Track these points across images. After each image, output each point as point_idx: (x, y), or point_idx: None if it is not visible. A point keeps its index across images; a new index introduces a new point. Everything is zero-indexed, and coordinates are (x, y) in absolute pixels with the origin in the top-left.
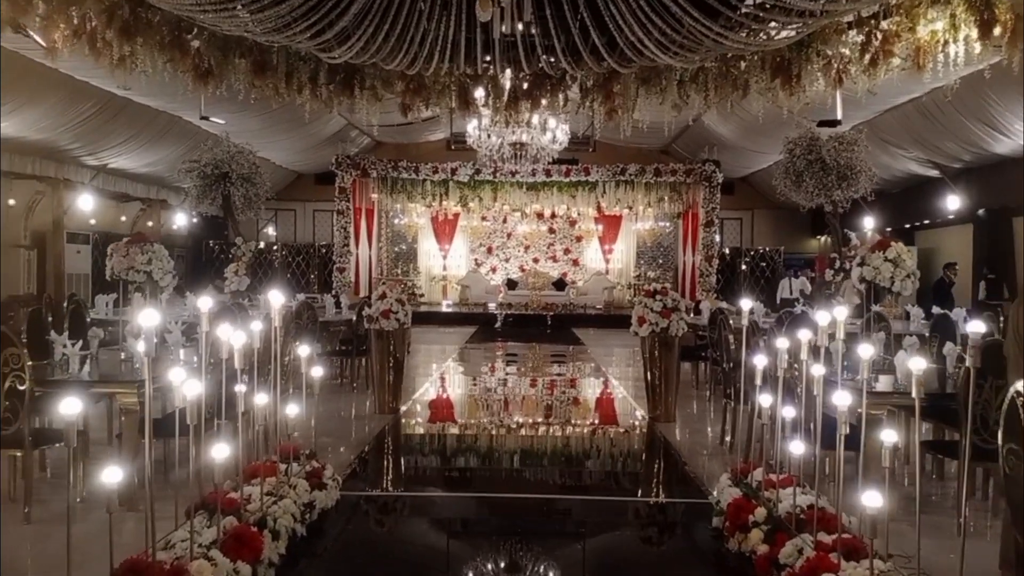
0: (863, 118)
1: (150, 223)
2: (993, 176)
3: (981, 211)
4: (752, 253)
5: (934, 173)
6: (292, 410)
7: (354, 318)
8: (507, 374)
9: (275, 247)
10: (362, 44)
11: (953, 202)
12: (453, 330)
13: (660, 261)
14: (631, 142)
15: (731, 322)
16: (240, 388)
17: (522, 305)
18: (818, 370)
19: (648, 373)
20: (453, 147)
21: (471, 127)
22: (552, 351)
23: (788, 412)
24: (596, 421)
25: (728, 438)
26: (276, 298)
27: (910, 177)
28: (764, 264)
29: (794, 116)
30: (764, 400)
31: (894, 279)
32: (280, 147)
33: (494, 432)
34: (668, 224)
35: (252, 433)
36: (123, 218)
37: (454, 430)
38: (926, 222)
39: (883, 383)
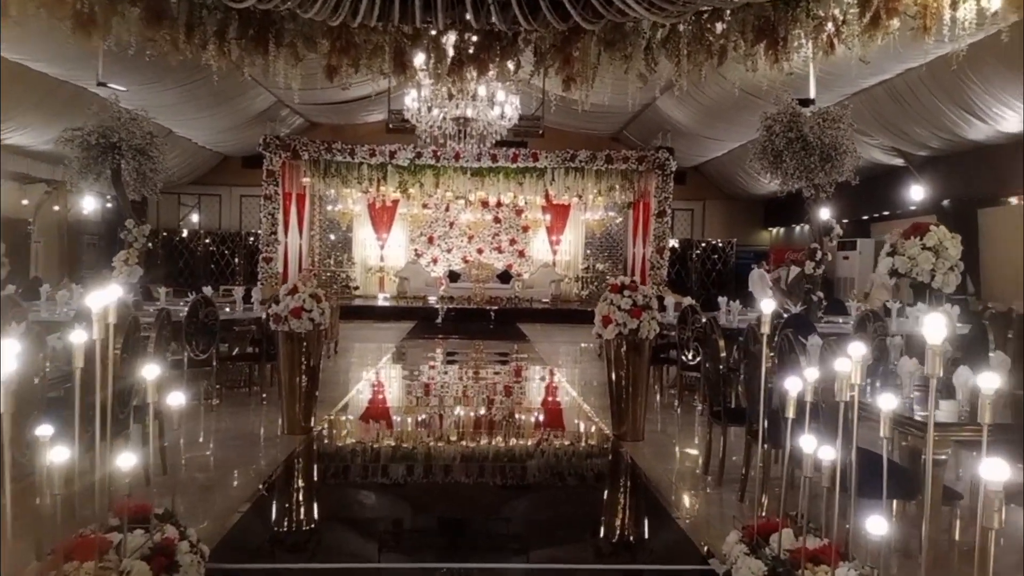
0: (829, 101)
1: (56, 207)
2: (960, 165)
3: (945, 202)
4: (703, 245)
5: (898, 162)
6: (126, 459)
7: (263, 315)
8: (447, 382)
9: (199, 234)
10: None
11: (917, 192)
12: (389, 326)
13: (609, 253)
14: (581, 127)
15: (720, 323)
16: (43, 432)
17: (465, 299)
18: (887, 402)
19: (613, 382)
20: (391, 126)
21: (409, 99)
22: (497, 349)
23: (826, 453)
24: (552, 444)
25: (711, 464)
26: (97, 300)
27: (872, 166)
28: (716, 256)
29: (751, 96)
30: (806, 444)
31: (935, 272)
32: (202, 125)
33: (427, 464)
34: (618, 214)
35: (53, 497)
36: (25, 202)
37: (378, 459)
38: (885, 213)
39: (946, 411)
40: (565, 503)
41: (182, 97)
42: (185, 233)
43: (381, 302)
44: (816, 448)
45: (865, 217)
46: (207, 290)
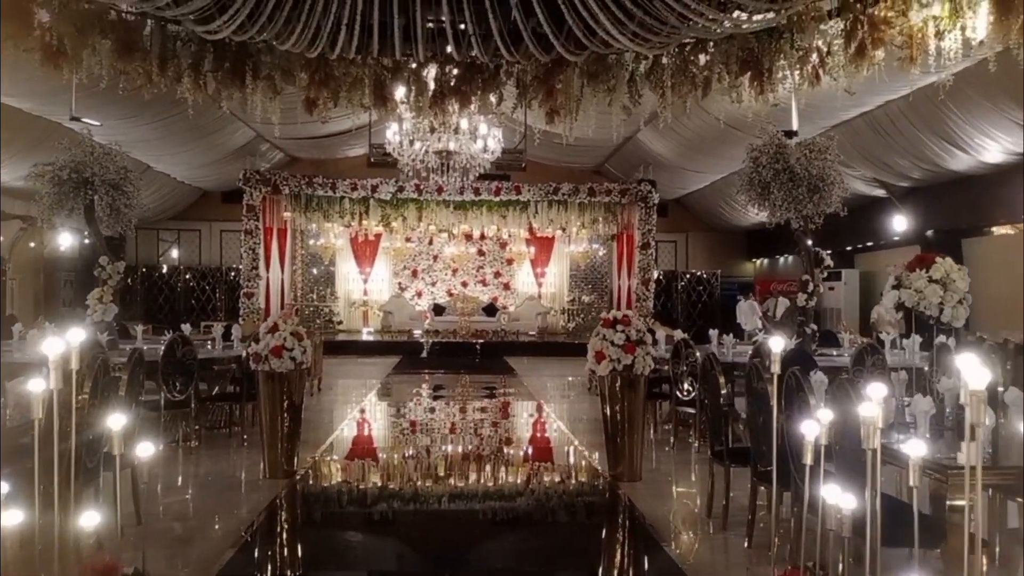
0: (811, 133)
1: (32, 244)
2: (943, 196)
3: (929, 232)
4: (688, 276)
5: (880, 193)
6: (90, 517)
7: (244, 354)
8: (434, 419)
9: (178, 270)
10: (247, 12)
11: (900, 223)
12: (374, 361)
13: (594, 285)
14: (564, 161)
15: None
16: None
17: (450, 332)
18: (916, 449)
19: (608, 420)
20: (373, 160)
21: (390, 132)
22: (485, 384)
23: (846, 501)
24: (545, 485)
25: (713, 506)
26: (53, 346)
27: (854, 198)
28: (701, 288)
29: (732, 129)
30: (828, 492)
31: (943, 305)
32: (180, 160)
33: (415, 507)
34: (601, 247)
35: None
36: None
37: (365, 502)
38: (869, 244)
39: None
40: (561, 548)
41: (159, 132)
42: (165, 269)
43: (365, 336)
44: (838, 497)
45: (849, 248)
46: (186, 327)
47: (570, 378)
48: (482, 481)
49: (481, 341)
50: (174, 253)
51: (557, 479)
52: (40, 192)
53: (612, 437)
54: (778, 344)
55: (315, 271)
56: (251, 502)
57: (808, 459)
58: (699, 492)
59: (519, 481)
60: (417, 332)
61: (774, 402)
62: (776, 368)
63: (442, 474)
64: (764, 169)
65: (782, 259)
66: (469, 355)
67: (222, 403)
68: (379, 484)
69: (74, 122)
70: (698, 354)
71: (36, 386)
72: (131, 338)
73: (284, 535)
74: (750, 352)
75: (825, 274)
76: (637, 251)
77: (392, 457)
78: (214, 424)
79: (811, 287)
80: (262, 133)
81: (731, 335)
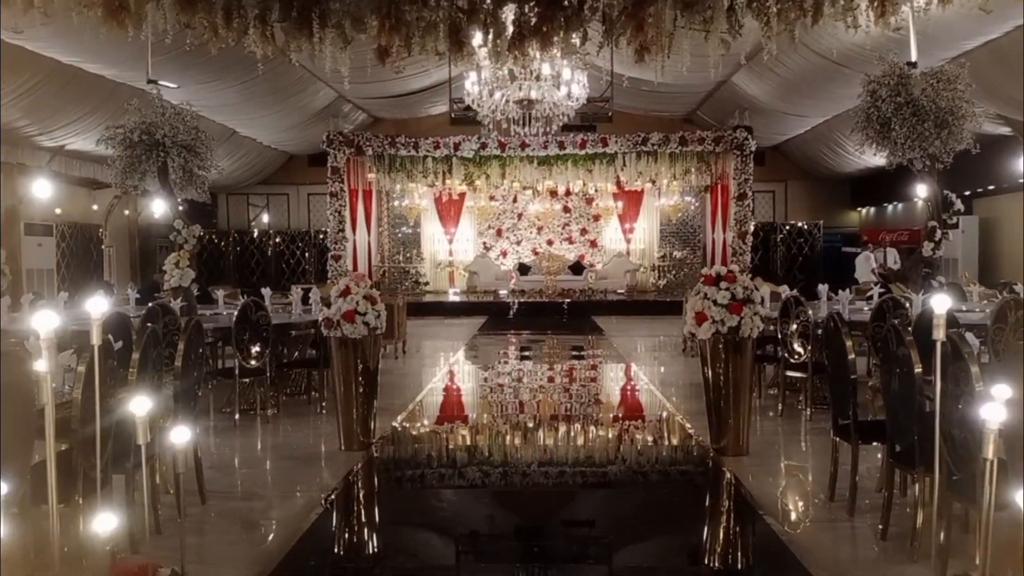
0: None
1: (126, 211)
2: None
3: None
4: (787, 228)
5: (1004, 131)
6: (105, 521)
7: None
8: (520, 385)
9: (268, 234)
10: None
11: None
12: (460, 322)
13: (686, 240)
14: (652, 109)
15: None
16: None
17: (536, 291)
18: None
19: (710, 387)
20: (454, 116)
21: (469, 83)
22: (572, 346)
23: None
24: (643, 459)
25: (836, 488)
26: (45, 321)
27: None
28: (801, 240)
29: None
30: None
31: None
32: (264, 124)
33: (500, 481)
34: (693, 199)
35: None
36: (95, 207)
37: (443, 478)
38: (990, 188)
39: None
40: (659, 531)
41: (241, 96)
42: (256, 233)
43: (451, 297)
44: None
45: (968, 192)
46: (266, 291)
47: (661, 338)
48: (571, 454)
49: (568, 300)
50: (264, 218)
51: (654, 452)
52: (111, 157)
53: (715, 406)
54: (942, 303)
55: (401, 232)
56: (322, 479)
57: (990, 452)
58: (815, 470)
59: (610, 453)
60: (503, 292)
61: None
62: (940, 333)
63: (528, 447)
64: (884, 103)
65: (890, 207)
66: (556, 315)
67: (300, 369)
68: (460, 457)
69: (151, 85)
70: (810, 312)
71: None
72: (214, 303)
73: (356, 518)
74: (871, 310)
75: (955, 220)
76: (732, 202)
77: (476, 427)
78: (294, 391)
79: (938, 235)
80: (344, 94)
81: (847, 290)
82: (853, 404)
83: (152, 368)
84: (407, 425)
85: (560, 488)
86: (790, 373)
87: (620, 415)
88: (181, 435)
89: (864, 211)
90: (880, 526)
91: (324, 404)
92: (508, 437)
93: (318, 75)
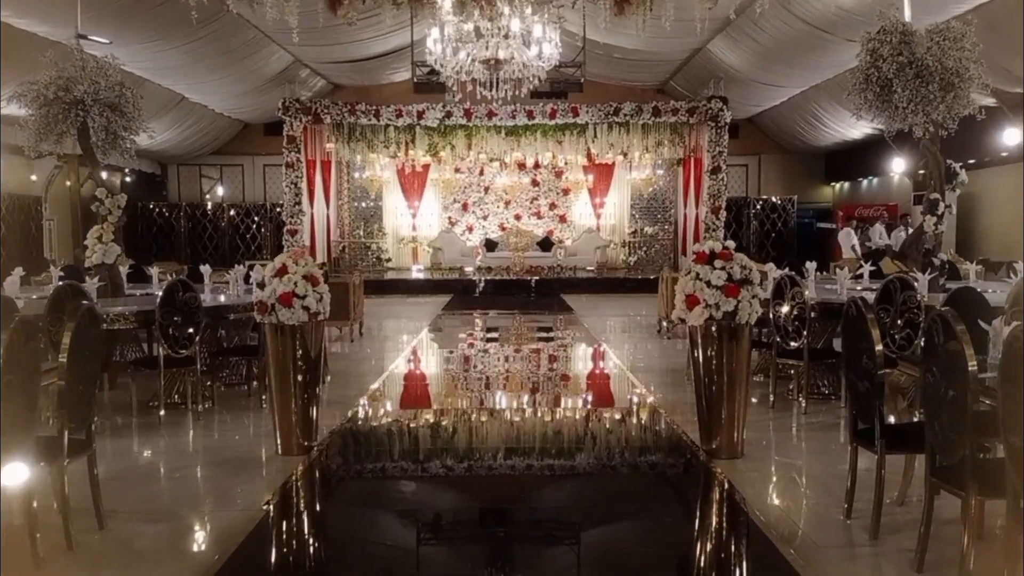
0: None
1: (68, 182)
2: None
3: None
4: (760, 203)
5: (989, 101)
6: None
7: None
8: (486, 372)
9: (222, 207)
10: None
11: (1012, 136)
12: (423, 300)
13: (658, 215)
14: (624, 79)
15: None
16: None
17: (503, 268)
18: None
19: (703, 381)
20: (416, 80)
21: (431, 40)
22: (540, 324)
23: None
24: (623, 466)
25: (854, 502)
26: None
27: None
28: (775, 216)
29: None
30: None
31: None
32: (214, 89)
33: (462, 488)
34: (666, 173)
35: None
36: (33, 177)
37: (396, 491)
38: (971, 161)
39: None
40: (648, 557)
41: (189, 57)
42: (209, 206)
43: (415, 274)
44: None
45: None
46: (206, 268)
47: (635, 317)
48: (543, 460)
49: (536, 278)
50: (219, 191)
51: (636, 455)
52: (23, 117)
53: (706, 402)
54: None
55: (362, 206)
56: (251, 493)
57: None
58: (822, 476)
59: (587, 459)
60: (468, 269)
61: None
62: (1002, 328)
63: (495, 453)
64: (885, 63)
65: (865, 182)
66: (523, 293)
67: (238, 358)
68: (420, 463)
69: (81, 41)
70: (806, 293)
71: None
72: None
73: (289, 544)
74: (877, 291)
75: (957, 192)
76: (706, 176)
77: (436, 427)
78: (233, 381)
79: (941, 208)
80: (300, 57)
81: (846, 269)
82: (879, 407)
83: (23, 370)
84: (359, 421)
85: (532, 503)
86: (782, 360)
87: (595, 411)
88: (14, 474)
89: (838, 186)
90: (914, 553)
91: (264, 397)
92: (471, 438)
93: (271, 36)
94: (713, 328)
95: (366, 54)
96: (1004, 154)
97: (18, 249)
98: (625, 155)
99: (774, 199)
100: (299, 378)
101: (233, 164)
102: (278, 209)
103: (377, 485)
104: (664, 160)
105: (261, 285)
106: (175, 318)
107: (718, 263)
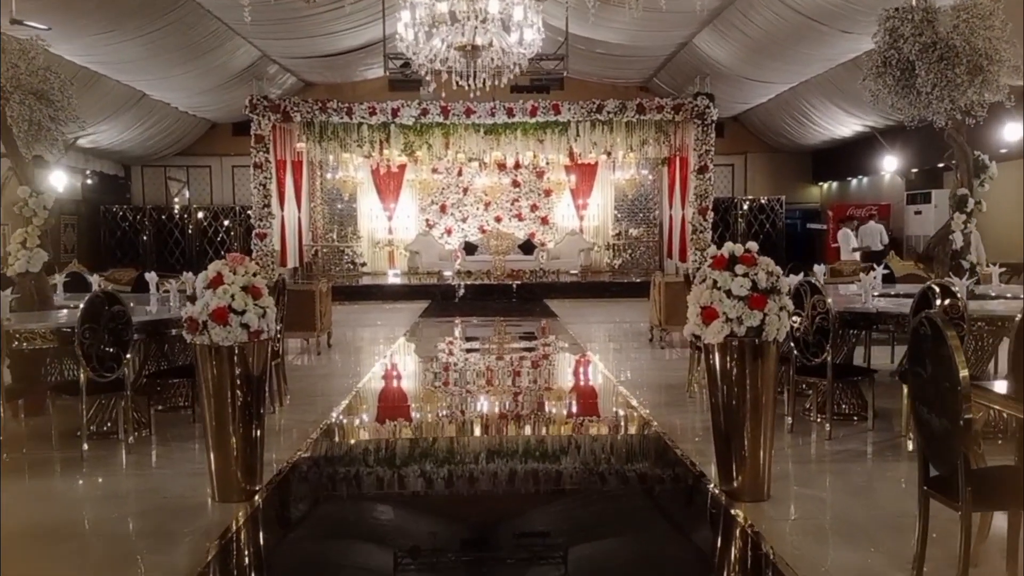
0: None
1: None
2: None
3: None
4: (748, 204)
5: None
6: None
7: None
8: (467, 388)
9: (189, 210)
10: None
11: (1013, 132)
12: (399, 307)
13: (643, 216)
14: (607, 76)
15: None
16: None
17: (483, 273)
18: None
19: (720, 409)
20: (389, 73)
21: (401, 25)
22: (522, 332)
23: None
24: (626, 507)
25: (925, 563)
26: None
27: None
28: (763, 216)
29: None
30: None
31: None
32: (177, 86)
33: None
34: (650, 173)
35: None
36: None
37: (356, 547)
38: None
39: None
40: None
41: (147, 51)
42: (176, 209)
43: (391, 279)
44: None
45: (941, 165)
46: (150, 276)
47: (625, 324)
48: (528, 505)
49: (518, 282)
50: (187, 193)
51: (641, 499)
52: None
53: (725, 433)
54: None
55: (335, 209)
56: (176, 556)
57: None
58: (867, 523)
59: (583, 505)
60: (447, 273)
61: None
62: None
63: (474, 498)
64: (906, 43)
65: (854, 181)
66: (505, 297)
67: (177, 380)
68: (390, 509)
69: (16, 27)
70: (830, 301)
71: None
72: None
73: None
74: (913, 300)
75: (986, 187)
76: (692, 176)
77: (404, 461)
78: (174, 404)
79: (971, 205)
80: (267, 52)
81: (875, 273)
82: (964, 451)
83: None
84: (314, 454)
85: (522, 546)
86: (802, 377)
87: (589, 442)
88: None
89: (826, 185)
90: None
91: None
92: (444, 479)
93: (235, 28)
94: (734, 346)
95: (337, 48)
96: (1003, 151)
97: None
98: (609, 154)
99: (761, 199)
100: (238, 410)
101: (200, 165)
102: (248, 212)
103: (335, 538)
104: (648, 160)
105: (192, 298)
106: (101, 336)
107: (740, 269)
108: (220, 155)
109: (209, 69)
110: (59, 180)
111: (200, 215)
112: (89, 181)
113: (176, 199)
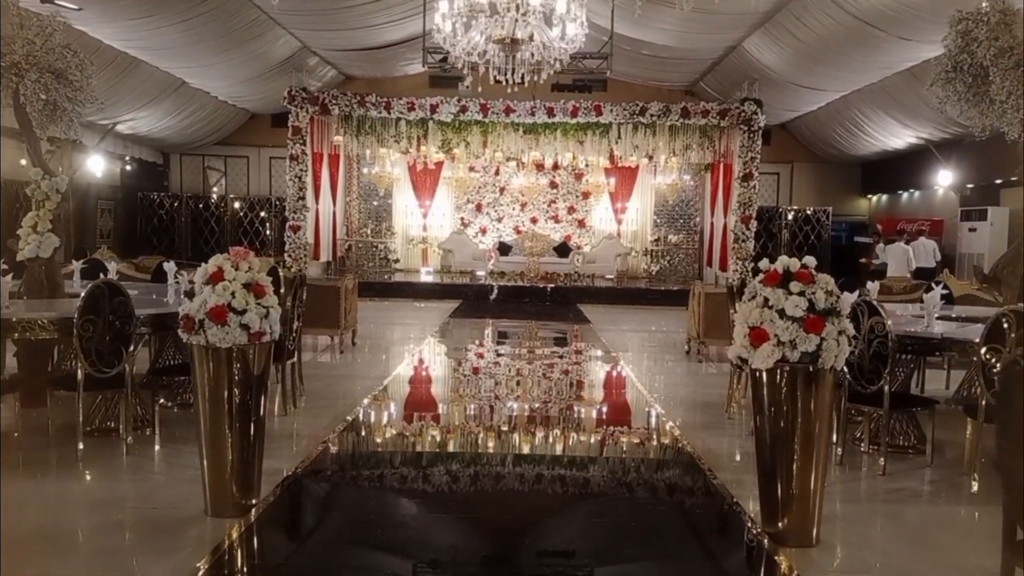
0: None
1: (60, 168)
2: None
3: None
4: (792, 214)
5: None
6: None
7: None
8: (493, 398)
9: (226, 200)
10: None
11: None
12: (430, 305)
13: (683, 223)
14: (651, 78)
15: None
16: None
17: (517, 274)
18: None
19: (766, 443)
20: (428, 67)
21: (439, 16)
22: (554, 337)
23: None
24: (656, 549)
25: None
26: None
27: None
28: (808, 227)
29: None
30: None
31: None
32: (216, 74)
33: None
34: (692, 179)
35: None
36: (23, 162)
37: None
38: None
39: None
40: None
41: (187, 38)
42: (214, 198)
43: (423, 277)
44: None
45: (999, 181)
46: (170, 266)
47: (660, 334)
48: (548, 535)
49: (552, 285)
50: (225, 183)
51: (674, 541)
52: None
53: (771, 469)
54: None
55: (371, 204)
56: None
57: None
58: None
59: (611, 546)
60: (480, 273)
61: None
62: None
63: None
64: (980, 47)
65: (905, 195)
66: (538, 300)
67: (185, 376)
68: (389, 532)
69: (47, 4)
70: (890, 324)
71: None
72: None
73: None
74: (985, 327)
75: None
76: (736, 183)
77: (421, 475)
78: (180, 401)
79: None
80: (307, 43)
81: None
82: None
83: None
84: (320, 465)
85: None
86: (854, 405)
87: (620, 470)
88: None
89: (875, 198)
90: None
91: None
92: (464, 500)
93: (276, 18)
94: (786, 372)
95: (378, 42)
96: None
97: (5, 238)
98: (650, 158)
99: (807, 210)
100: (235, 417)
101: (238, 155)
102: (284, 204)
103: (336, 563)
104: (691, 165)
105: (190, 294)
106: (101, 329)
107: (795, 286)
108: (258, 146)
109: (249, 58)
110: (97, 165)
111: (236, 205)
112: (128, 167)
113: (214, 188)
